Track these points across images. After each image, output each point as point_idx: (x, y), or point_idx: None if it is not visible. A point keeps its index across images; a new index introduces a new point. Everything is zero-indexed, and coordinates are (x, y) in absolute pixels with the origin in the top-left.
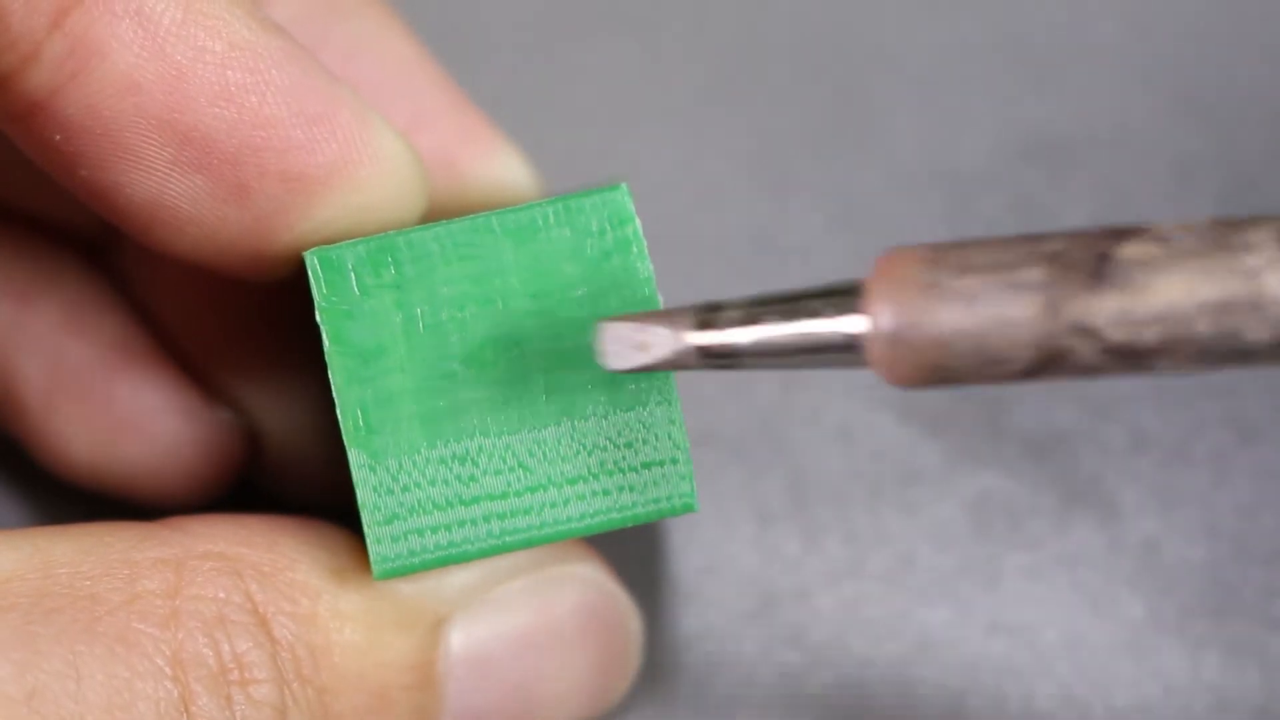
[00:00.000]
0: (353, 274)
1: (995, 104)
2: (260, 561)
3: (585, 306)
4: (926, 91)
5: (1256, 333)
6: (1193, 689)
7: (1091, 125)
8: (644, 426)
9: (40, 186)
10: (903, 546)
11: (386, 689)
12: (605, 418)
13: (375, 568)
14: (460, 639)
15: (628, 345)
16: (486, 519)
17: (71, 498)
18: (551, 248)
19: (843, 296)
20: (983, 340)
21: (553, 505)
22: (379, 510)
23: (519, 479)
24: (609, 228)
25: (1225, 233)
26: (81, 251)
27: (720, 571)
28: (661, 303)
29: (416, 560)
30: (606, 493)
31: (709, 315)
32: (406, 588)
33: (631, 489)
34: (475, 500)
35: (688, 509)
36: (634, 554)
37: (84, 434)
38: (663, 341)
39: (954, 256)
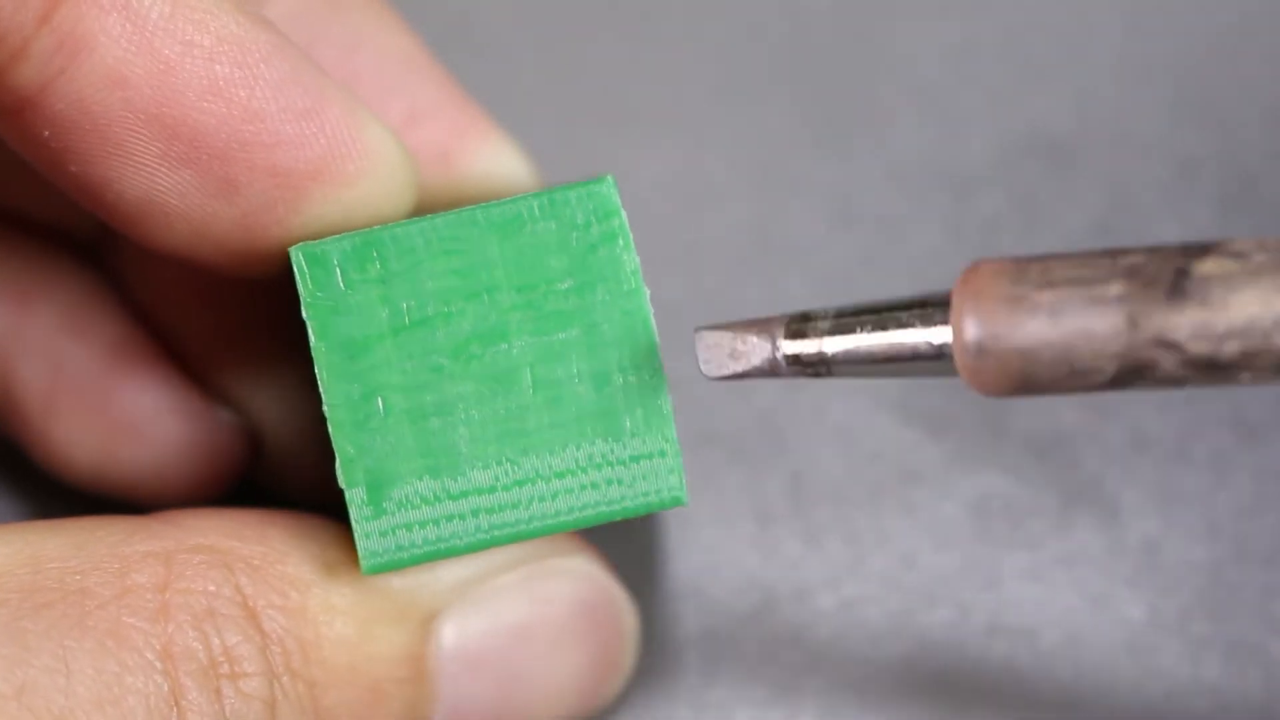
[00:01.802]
0: (338, 269)
1: (995, 104)
2: (250, 555)
3: (571, 299)
4: (926, 91)
5: None
6: (1193, 689)
7: (1091, 125)
8: (632, 419)
9: (37, 189)
10: (903, 546)
11: (378, 682)
12: (593, 410)
13: (363, 563)
14: (452, 632)
15: (723, 353)
16: (475, 513)
17: (71, 499)
18: (537, 241)
19: (930, 308)
20: (1067, 352)
21: (541, 499)
22: (366, 505)
23: (507, 473)
24: (595, 220)
25: None
26: (79, 254)
27: (720, 571)
28: (648, 295)
29: (405, 555)
30: (595, 486)
31: (801, 325)
32: (398, 581)
33: (620, 482)
34: (463, 494)
35: (676, 503)
36: (633, 554)
37: (84, 437)
38: (757, 350)
39: (1036, 270)
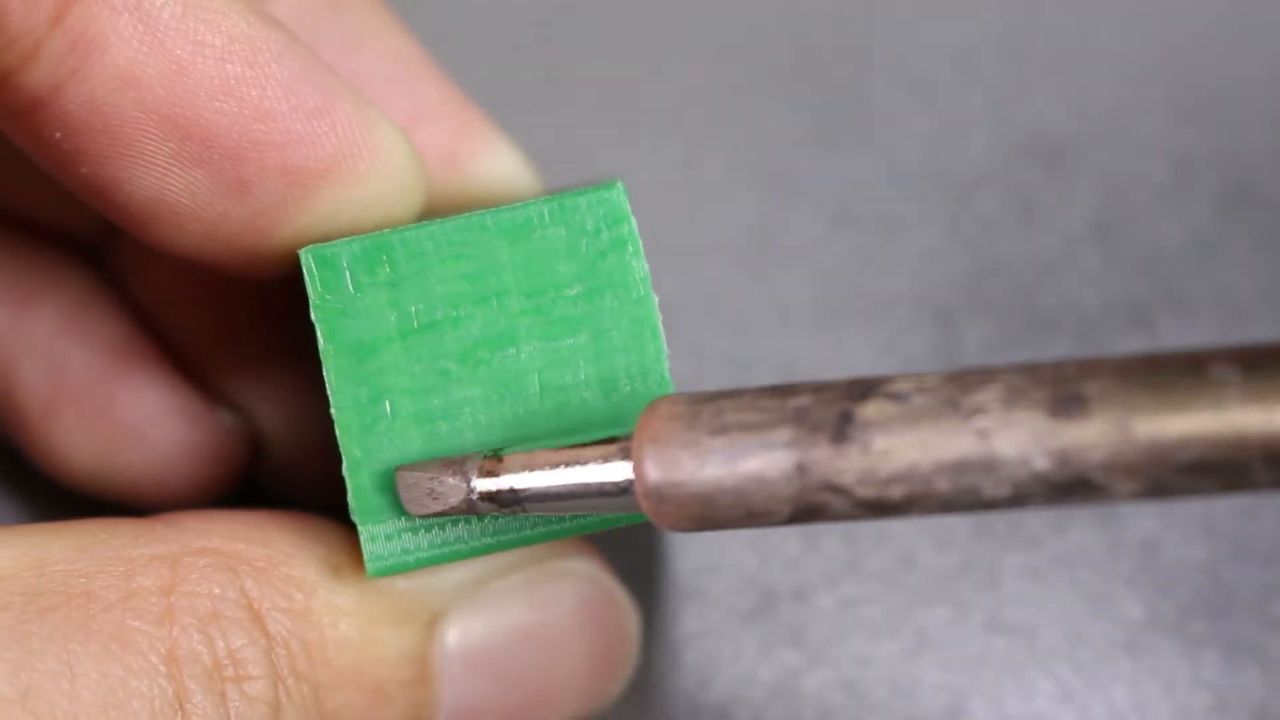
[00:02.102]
0: (347, 272)
1: (995, 104)
2: (255, 557)
3: (580, 305)
4: (926, 91)
5: (994, 490)
6: (1192, 689)
7: (1091, 125)
8: None
9: (38, 190)
10: (902, 546)
11: (382, 685)
12: (601, 416)
13: (369, 566)
14: (456, 634)
15: (422, 493)
16: (481, 517)
17: (72, 502)
18: (546, 246)
19: (615, 448)
20: (742, 497)
21: None
22: (372, 508)
23: None
24: (604, 226)
25: (956, 393)
26: (80, 256)
27: (720, 571)
28: (656, 302)
29: (410, 558)
30: None
31: (494, 464)
32: (403, 583)
33: None
34: None
35: None
36: (634, 553)
37: (85, 440)
38: (453, 491)
39: (709, 414)
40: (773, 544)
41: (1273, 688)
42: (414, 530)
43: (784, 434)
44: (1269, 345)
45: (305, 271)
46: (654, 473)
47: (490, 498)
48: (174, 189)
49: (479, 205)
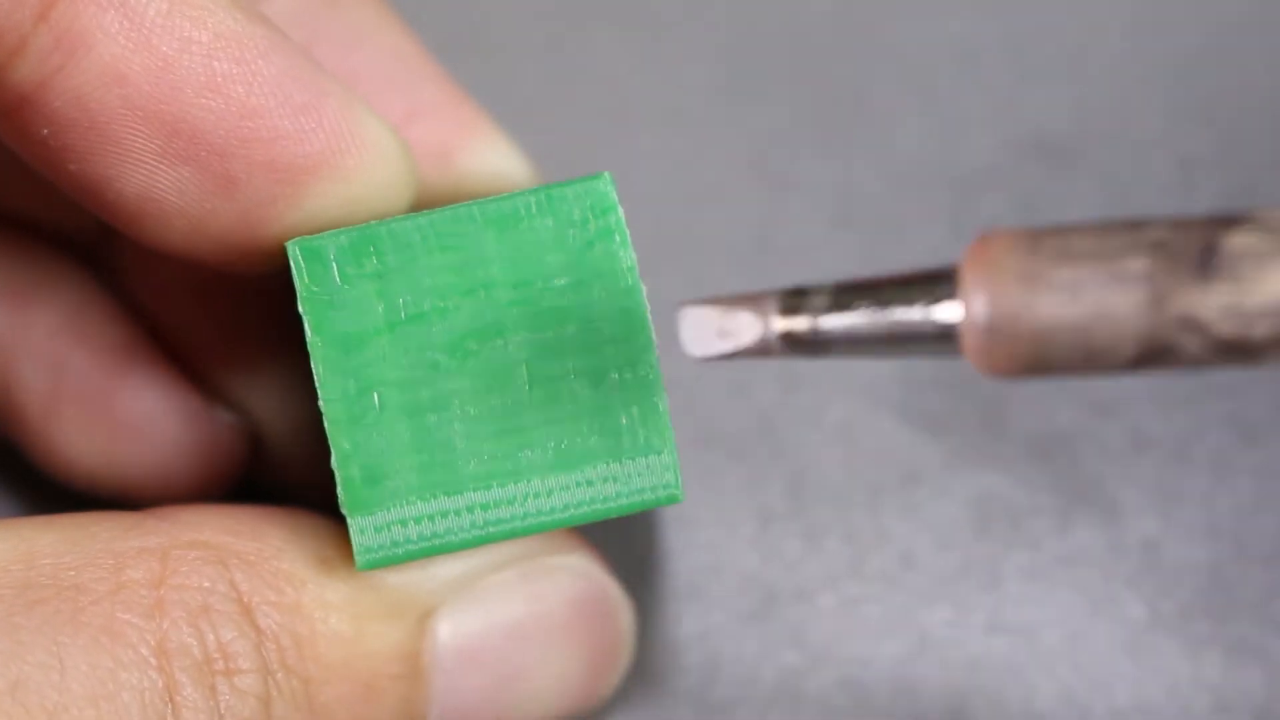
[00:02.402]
0: (334, 263)
1: (995, 104)
2: (246, 550)
3: (568, 296)
4: (927, 91)
5: None
6: (1193, 689)
7: (1092, 125)
8: (628, 416)
9: (37, 191)
10: (903, 546)
11: (373, 679)
12: (589, 407)
13: (358, 558)
14: (448, 629)
15: (710, 331)
16: (470, 509)
17: (71, 501)
18: (534, 237)
19: (937, 283)
20: (1085, 334)
21: (537, 495)
22: (361, 500)
23: (503, 469)
24: (591, 217)
25: None
26: (79, 256)
27: (720, 571)
28: (644, 291)
29: (400, 551)
30: (590, 483)
31: (795, 301)
32: (394, 578)
33: (616, 479)
34: (459, 490)
35: (672, 500)
36: (633, 553)
37: (85, 439)
38: (748, 328)
39: (1053, 243)
40: (774, 544)
41: (1275, 688)
42: (404, 523)
43: (1139, 264)
44: None
45: (292, 263)
46: (987, 305)
47: (789, 338)
48: (162, 185)
49: (475, 199)
